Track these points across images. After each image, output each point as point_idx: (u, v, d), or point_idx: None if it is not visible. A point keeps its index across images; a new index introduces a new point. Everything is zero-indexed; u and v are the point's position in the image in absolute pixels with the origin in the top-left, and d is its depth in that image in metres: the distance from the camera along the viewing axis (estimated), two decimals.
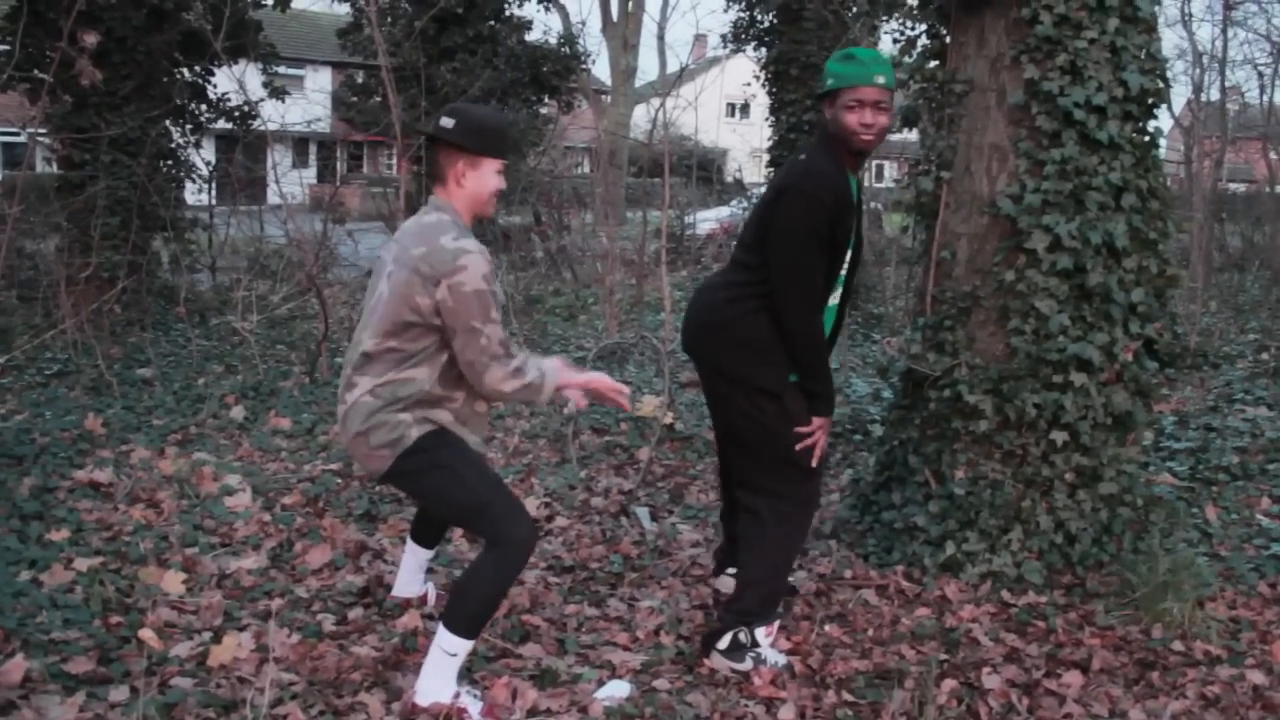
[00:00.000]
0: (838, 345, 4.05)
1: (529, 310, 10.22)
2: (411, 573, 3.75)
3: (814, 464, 3.40)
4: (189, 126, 10.58)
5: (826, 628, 3.70)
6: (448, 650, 3.01)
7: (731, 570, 3.88)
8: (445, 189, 3.15)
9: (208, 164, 11.55)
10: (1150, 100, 4.02)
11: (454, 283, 2.95)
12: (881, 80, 3.26)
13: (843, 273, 3.44)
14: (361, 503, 4.78)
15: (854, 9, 11.50)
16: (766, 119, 13.58)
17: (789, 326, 3.28)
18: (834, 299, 3.48)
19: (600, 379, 3.28)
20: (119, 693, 3.04)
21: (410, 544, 3.73)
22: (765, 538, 3.42)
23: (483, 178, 3.13)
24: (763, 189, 16.76)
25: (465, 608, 3.00)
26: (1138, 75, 3.93)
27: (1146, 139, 4.05)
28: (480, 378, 3.02)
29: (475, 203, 3.16)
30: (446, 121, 3.09)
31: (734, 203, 20.10)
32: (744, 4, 13.82)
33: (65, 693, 3.02)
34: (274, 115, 9.99)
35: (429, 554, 3.75)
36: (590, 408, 6.52)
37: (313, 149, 32.82)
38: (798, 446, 3.36)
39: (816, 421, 3.38)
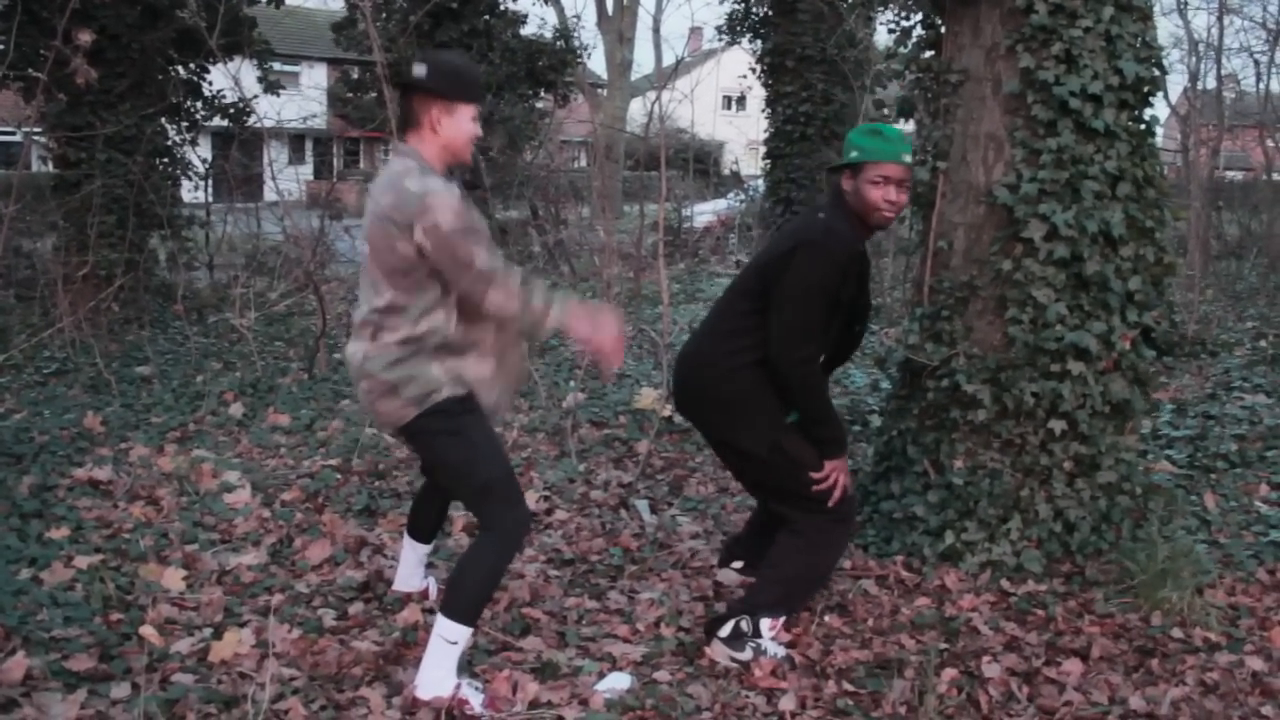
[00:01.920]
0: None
1: None
2: (411, 567, 3.76)
3: (833, 504, 3.41)
4: (185, 124, 10.56)
5: (826, 618, 3.71)
6: (448, 639, 3.02)
7: (736, 564, 3.89)
8: (418, 135, 3.10)
9: (204, 161, 11.54)
10: (1146, 89, 4.02)
11: (427, 225, 2.92)
12: (907, 158, 3.34)
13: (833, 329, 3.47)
14: (361, 498, 4.79)
15: (849, 0, 11.50)
16: (763, 111, 13.58)
17: (786, 375, 3.31)
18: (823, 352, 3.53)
19: (604, 338, 3.14)
20: (120, 689, 3.05)
21: (407, 539, 3.74)
22: (800, 546, 3.45)
23: (458, 124, 3.10)
24: (759, 181, 16.75)
25: (462, 595, 3.02)
26: (1133, 64, 3.93)
27: (1142, 127, 4.05)
28: (483, 305, 3.00)
29: (450, 149, 3.13)
30: (419, 69, 3.06)
31: (731, 195, 20.08)
32: None
33: (66, 690, 3.02)
34: (270, 112, 9.98)
35: (427, 548, 3.76)
36: (589, 401, 6.52)
37: (309, 145, 32.76)
38: (814, 489, 3.38)
39: (830, 465, 3.39)
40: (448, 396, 3.05)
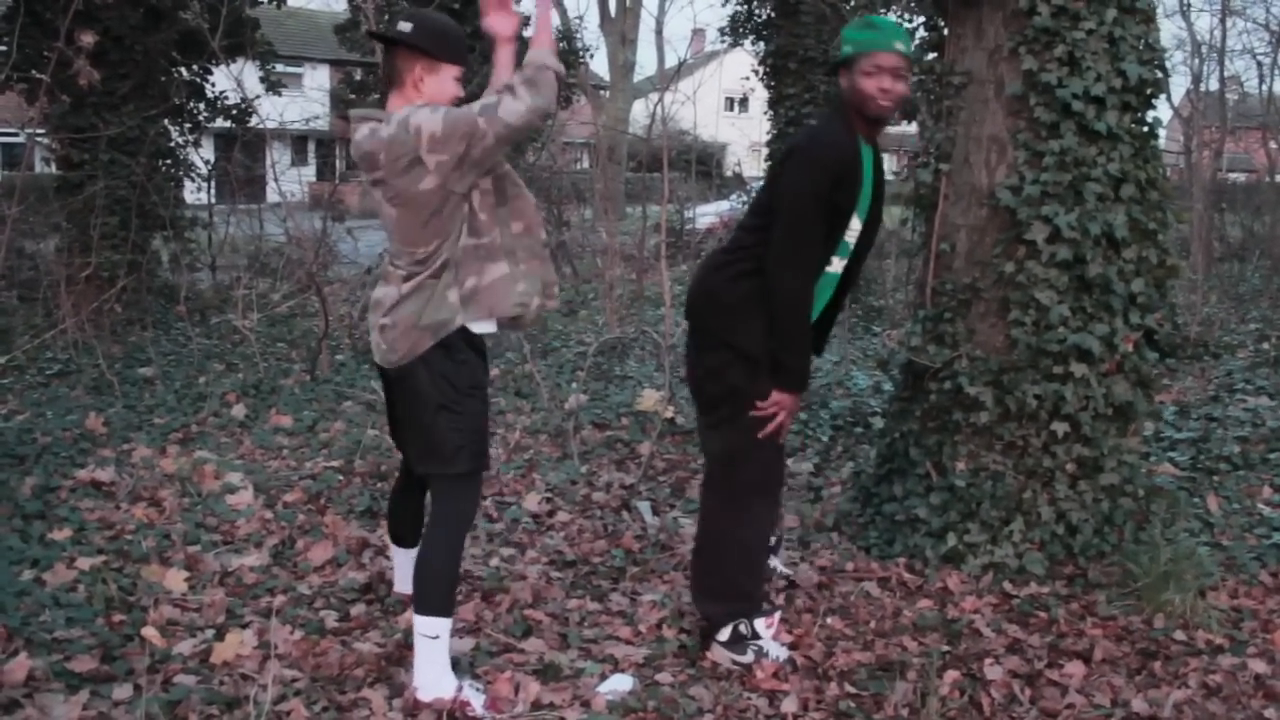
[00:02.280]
0: (838, 339, 4.03)
1: None
2: (407, 570, 3.73)
3: (779, 441, 3.33)
4: (187, 125, 10.58)
5: (828, 620, 3.70)
6: (428, 634, 3.02)
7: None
8: (401, 94, 3.07)
9: (206, 163, 11.55)
10: (1149, 91, 4.02)
11: (422, 143, 2.88)
12: (900, 47, 3.22)
13: (849, 240, 3.35)
14: (363, 499, 4.79)
15: (851, 2, 11.49)
16: (765, 113, 13.57)
17: (773, 284, 3.20)
18: (836, 266, 3.38)
19: (543, 17, 3.15)
20: (122, 690, 3.05)
21: (393, 547, 3.71)
22: (720, 530, 3.40)
23: (442, 83, 3.07)
24: (761, 183, 16.75)
25: (429, 587, 3.03)
26: (1136, 66, 3.93)
27: (1145, 129, 4.05)
28: (514, 128, 2.93)
29: None
30: (404, 25, 3.03)
31: (733, 197, 20.08)
32: None
33: (69, 691, 3.03)
34: (272, 113, 9.99)
35: (414, 551, 3.73)
36: (591, 402, 6.52)
37: (311, 147, 32.79)
38: (760, 433, 3.28)
39: (778, 396, 3.26)
40: (462, 328, 3.03)
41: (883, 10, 11.53)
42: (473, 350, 3.09)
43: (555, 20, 3.09)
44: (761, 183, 3.47)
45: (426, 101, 3.03)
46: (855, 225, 3.33)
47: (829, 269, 3.35)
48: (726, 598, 3.41)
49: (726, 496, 3.40)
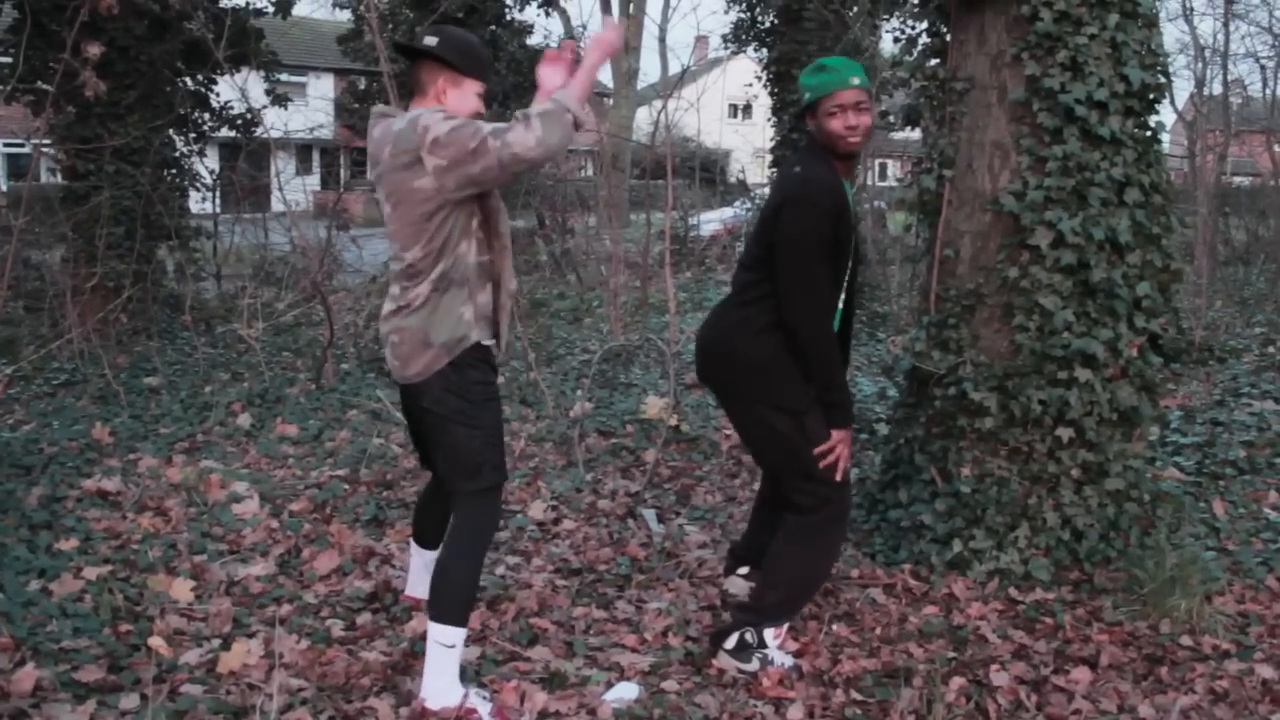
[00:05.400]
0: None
1: (534, 314, 10.24)
2: (420, 573, 3.75)
3: (838, 478, 3.38)
4: (192, 135, 10.61)
5: (834, 627, 3.70)
6: (443, 642, 3.02)
7: (742, 571, 3.88)
8: (423, 103, 3.11)
9: (211, 172, 11.59)
10: (1152, 95, 4.02)
11: (426, 145, 2.91)
12: (856, 81, 3.30)
13: (844, 276, 3.43)
14: (369, 508, 4.79)
15: (854, 8, 11.51)
16: (768, 119, 13.58)
17: (803, 336, 3.27)
18: (840, 301, 3.46)
19: (594, 58, 3.11)
20: (129, 700, 3.06)
21: (414, 546, 3.74)
22: (797, 550, 3.42)
23: (464, 97, 3.11)
24: (766, 189, 16.74)
25: (447, 597, 3.03)
26: (1139, 70, 3.93)
27: (1148, 134, 4.05)
28: (520, 158, 2.90)
29: None
30: (430, 39, 3.07)
31: (737, 203, 20.11)
32: (744, 5, 13.83)
33: (76, 701, 3.03)
34: (277, 123, 10.02)
35: (434, 554, 3.75)
36: (596, 410, 6.53)
37: (316, 156, 32.85)
38: (821, 464, 3.35)
39: (836, 435, 3.35)
40: (476, 344, 3.07)
41: (884, 17, 11.56)
42: (485, 363, 3.13)
43: (600, 74, 3.10)
44: (753, 233, 3.49)
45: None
46: (849, 257, 3.41)
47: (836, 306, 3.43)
48: (756, 612, 3.43)
49: (797, 532, 3.43)
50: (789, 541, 3.43)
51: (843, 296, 3.46)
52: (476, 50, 3.13)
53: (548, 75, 3.26)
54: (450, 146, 2.91)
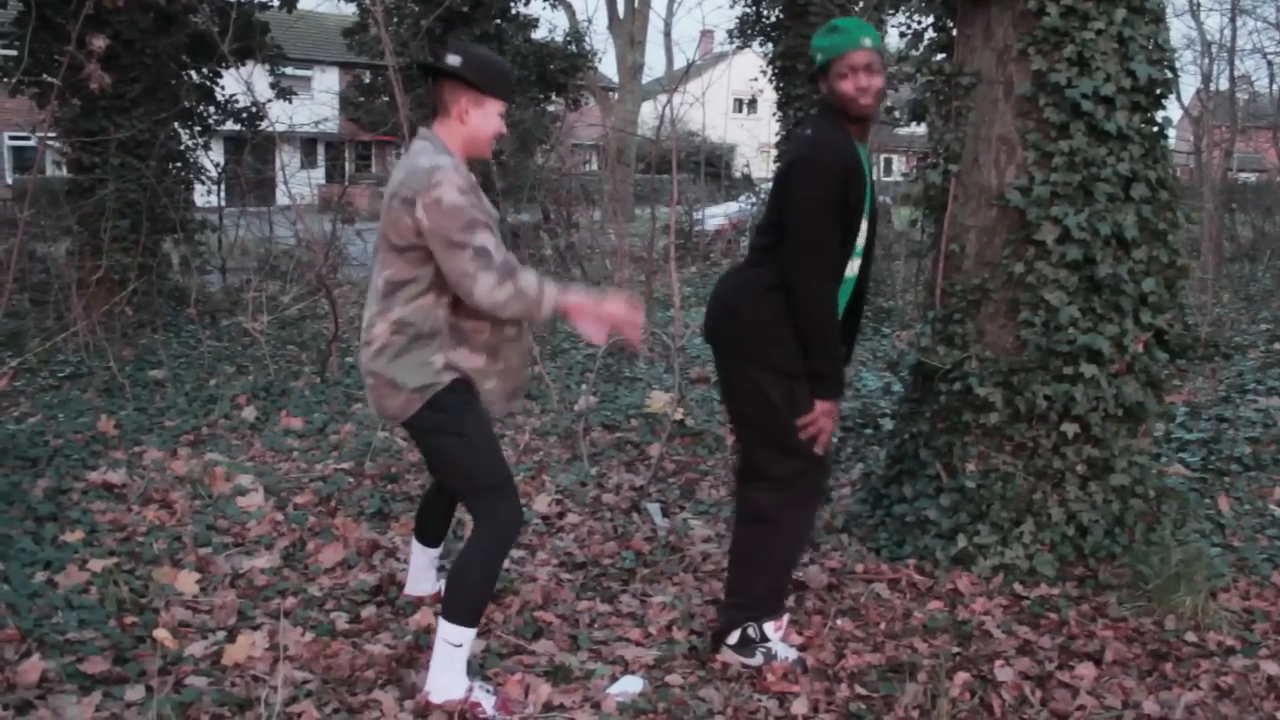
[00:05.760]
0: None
1: None
2: (421, 570, 3.76)
3: (819, 451, 3.33)
4: (197, 129, 10.60)
5: (838, 622, 3.70)
6: (452, 641, 3.02)
7: None
8: (445, 123, 3.12)
9: (216, 166, 11.57)
10: (1158, 90, 4.01)
11: (429, 200, 2.92)
12: (868, 42, 3.24)
13: (859, 242, 3.36)
14: (374, 501, 4.80)
15: (860, 3, 11.49)
16: (774, 114, 13.55)
17: (798, 295, 3.21)
18: (852, 269, 3.38)
19: (614, 309, 3.13)
20: (134, 692, 3.06)
21: (415, 544, 3.74)
22: (769, 534, 3.39)
23: (486, 117, 3.12)
24: (771, 185, 16.75)
25: (462, 596, 3.03)
26: (1146, 66, 3.92)
27: (1155, 129, 4.04)
28: (471, 294, 2.94)
29: (473, 142, 3.14)
30: (453, 58, 3.07)
31: (742, 198, 20.07)
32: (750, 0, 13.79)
33: (81, 692, 3.04)
34: (282, 116, 10.02)
35: (436, 551, 3.76)
36: (601, 404, 6.53)
37: (321, 149, 32.85)
38: (802, 435, 3.30)
39: (820, 406, 3.28)
40: (449, 383, 3.06)
41: (890, 12, 11.53)
42: (464, 384, 3.11)
43: (599, 333, 3.15)
44: (767, 197, 3.46)
45: (470, 133, 3.10)
46: (862, 225, 3.34)
47: (846, 273, 3.35)
48: (750, 607, 3.41)
49: (766, 511, 3.39)
50: (760, 525, 3.39)
51: (858, 263, 3.39)
52: (499, 69, 3.14)
53: (593, 332, 3.17)
54: (441, 221, 2.91)
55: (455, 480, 3.24)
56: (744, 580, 3.45)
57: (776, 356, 3.29)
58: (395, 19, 14.42)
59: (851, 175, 3.20)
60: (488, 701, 3.03)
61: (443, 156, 3.01)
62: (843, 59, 3.24)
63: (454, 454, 3.12)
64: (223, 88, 10.68)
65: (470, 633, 3.05)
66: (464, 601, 3.03)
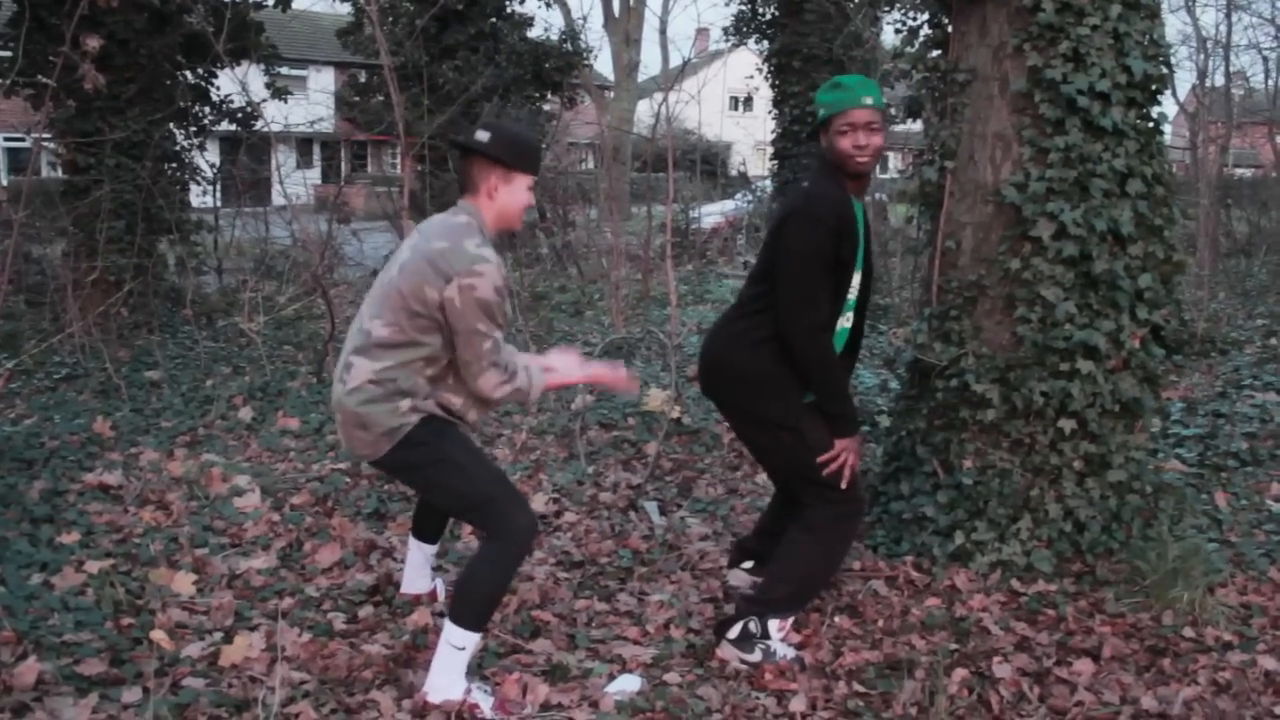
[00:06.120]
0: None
1: (535, 306, 10.23)
2: (418, 569, 3.76)
3: (844, 485, 3.39)
4: (193, 129, 10.58)
5: (836, 619, 3.70)
6: (455, 644, 3.02)
7: (747, 565, 3.88)
8: (475, 200, 3.16)
9: (212, 166, 11.56)
10: (1154, 86, 4.01)
11: (465, 284, 2.96)
12: (869, 101, 3.31)
13: (851, 297, 3.44)
14: (370, 501, 4.79)
15: (855, 0, 11.49)
16: (770, 111, 13.57)
17: (796, 346, 3.28)
18: (845, 322, 3.48)
19: (596, 372, 3.36)
20: (131, 694, 3.05)
21: (413, 541, 3.74)
22: (809, 544, 3.44)
23: (515, 192, 3.16)
24: (767, 182, 16.72)
25: (470, 601, 3.02)
26: (1141, 61, 3.92)
27: (1150, 125, 4.04)
28: (475, 379, 3.05)
29: (504, 216, 3.19)
30: (482, 135, 3.11)
31: (738, 196, 20.08)
32: None
33: (78, 694, 3.03)
34: (277, 116, 9.99)
35: (433, 548, 3.76)
36: (598, 403, 6.52)
37: (316, 149, 32.85)
38: (825, 472, 3.36)
39: (840, 444, 3.36)
40: (418, 422, 3.08)
41: (885, 9, 11.53)
42: (437, 432, 3.13)
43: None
44: (761, 252, 3.51)
45: (500, 209, 3.16)
46: (855, 280, 3.41)
47: (840, 324, 3.44)
48: (762, 603, 3.44)
49: (815, 525, 3.44)
50: (803, 536, 3.44)
51: (850, 317, 3.48)
52: (527, 144, 3.19)
53: (561, 358, 3.41)
54: (469, 311, 2.97)
55: (452, 504, 3.26)
56: (771, 579, 3.49)
57: (777, 411, 3.38)
58: (390, 18, 14.40)
59: (845, 228, 3.26)
60: (486, 702, 3.03)
61: (489, 249, 3.05)
62: (844, 116, 3.31)
63: (441, 480, 3.13)
64: (218, 88, 10.66)
65: (475, 637, 3.05)
66: (472, 606, 3.03)
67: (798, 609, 3.51)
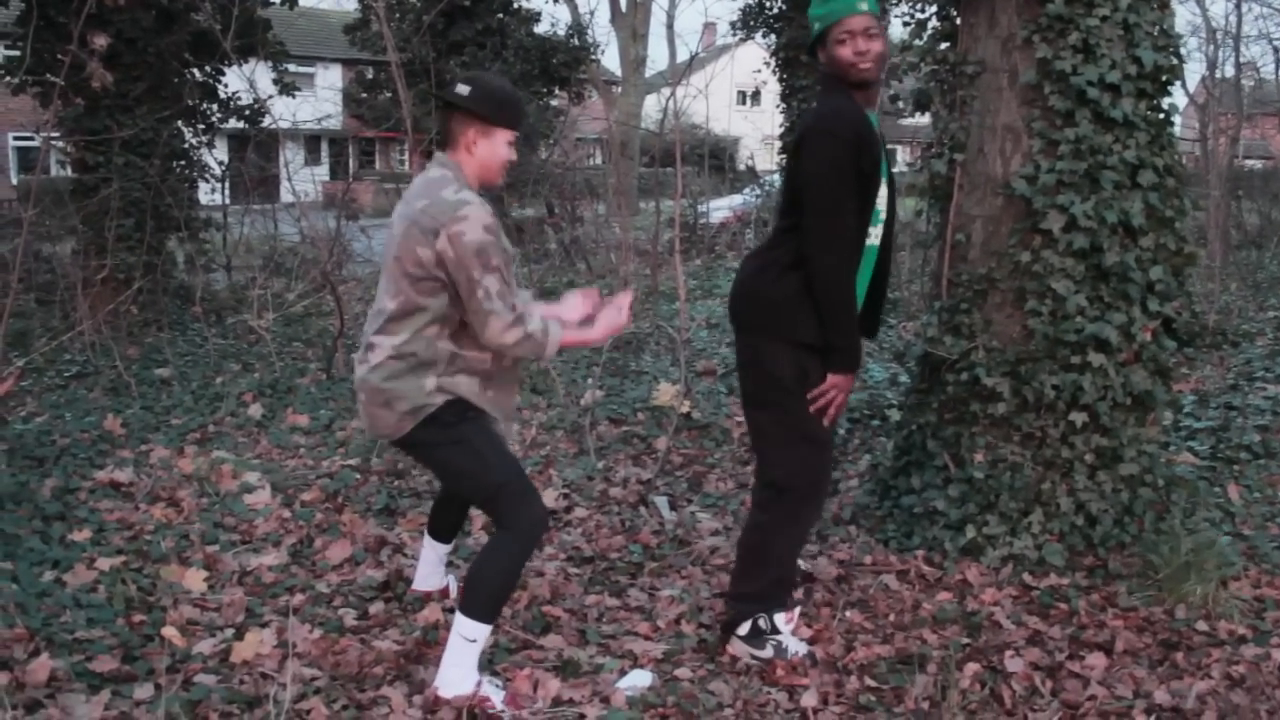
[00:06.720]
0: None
1: (545, 302, 10.20)
2: (431, 566, 3.76)
3: (826, 423, 3.30)
4: (201, 126, 10.60)
5: (848, 614, 3.69)
6: (467, 636, 3.02)
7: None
8: (455, 154, 3.13)
9: (220, 164, 11.58)
10: (1164, 77, 3.98)
11: (453, 232, 2.93)
12: (864, 6, 3.20)
13: (879, 207, 3.31)
14: (380, 497, 4.80)
15: None
16: (778, 106, 13.55)
17: (814, 267, 3.17)
18: (874, 237, 3.34)
19: (604, 328, 3.29)
20: (143, 690, 3.06)
21: (427, 539, 3.74)
22: (779, 525, 3.38)
23: (494, 147, 3.13)
24: (775, 176, 16.68)
25: (481, 592, 3.02)
26: (1151, 52, 3.89)
27: (1161, 116, 4.02)
28: (482, 330, 3.00)
29: (483, 171, 3.15)
30: (462, 88, 3.08)
31: (747, 190, 20.03)
32: None
33: (90, 691, 3.04)
34: (285, 113, 10.01)
35: (447, 548, 3.76)
36: (607, 398, 6.52)
37: (324, 146, 32.87)
38: (812, 408, 3.26)
39: (832, 379, 3.25)
40: (442, 404, 3.07)
41: (893, 2, 11.50)
42: (460, 415, 3.11)
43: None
44: (781, 182, 3.45)
45: (480, 163, 3.12)
46: (881, 189, 3.30)
47: (868, 241, 3.31)
48: (758, 599, 3.40)
49: (774, 500, 3.38)
50: (764, 518, 3.38)
51: (880, 230, 3.35)
52: (508, 98, 3.14)
53: (573, 303, 3.45)
54: (464, 258, 2.94)
55: (467, 487, 3.24)
56: (750, 573, 3.43)
57: (791, 330, 3.25)
58: (397, 14, 14.40)
59: (862, 140, 3.16)
60: (496, 697, 3.03)
61: (467, 192, 3.03)
62: (839, 25, 3.21)
63: (458, 463, 3.13)
64: (225, 85, 10.68)
65: (485, 629, 3.05)
66: (483, 597, 3.02)
67: (790, 591, 3.48)
